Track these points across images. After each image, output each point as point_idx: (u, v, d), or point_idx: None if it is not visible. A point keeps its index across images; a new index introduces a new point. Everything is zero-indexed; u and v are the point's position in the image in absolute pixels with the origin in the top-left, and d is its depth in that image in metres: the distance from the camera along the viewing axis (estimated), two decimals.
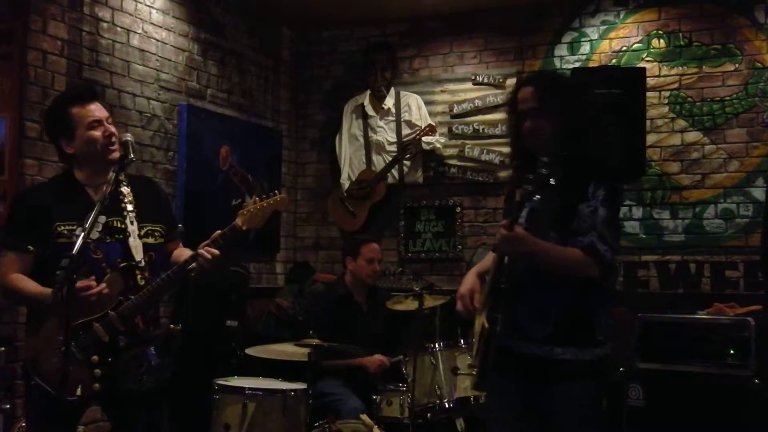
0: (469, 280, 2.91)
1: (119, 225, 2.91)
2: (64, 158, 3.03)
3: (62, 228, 2.85)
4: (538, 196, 2.60)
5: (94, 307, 2.80)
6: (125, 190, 2.96)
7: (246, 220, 2.97)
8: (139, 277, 2.90)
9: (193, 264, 2.88)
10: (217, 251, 2.89)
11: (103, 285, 2.78)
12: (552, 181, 2.58)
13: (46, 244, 2.85)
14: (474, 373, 2.90)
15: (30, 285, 2.86)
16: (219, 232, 2.93)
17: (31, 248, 2.88)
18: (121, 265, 2.87)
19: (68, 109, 2.93)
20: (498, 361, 2.70)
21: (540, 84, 2.81)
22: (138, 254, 2.91)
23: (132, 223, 2.92)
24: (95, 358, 2.82)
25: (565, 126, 2.71)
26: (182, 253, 3.05)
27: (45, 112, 3.13)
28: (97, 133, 2.90)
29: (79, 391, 2.79)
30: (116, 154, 2.91)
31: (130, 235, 2.91)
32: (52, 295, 2.51)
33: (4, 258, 2.92)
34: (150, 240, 3.00)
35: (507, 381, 2.79)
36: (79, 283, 2.68)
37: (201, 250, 2.88)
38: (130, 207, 2.94)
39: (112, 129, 2.94)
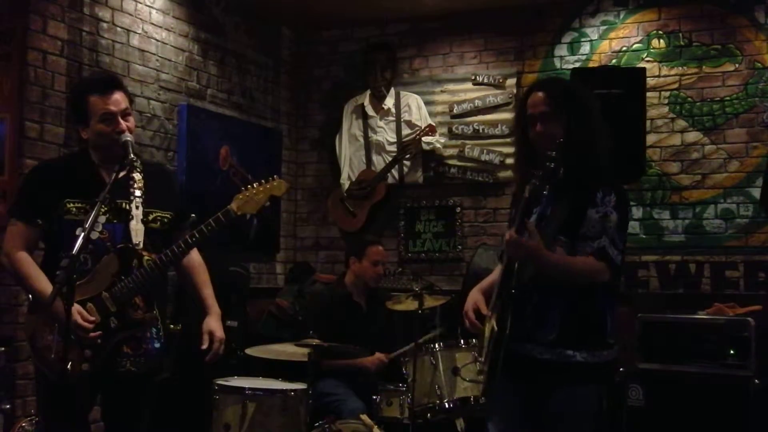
0: (473, 297, 2.95)
1: (125, 207, 2.92)
2: (80, 141, 3.06)
3: (71, 205, 2.88)
4: (547, 190, 2.67)
5: (88, 288, 2.83)
6: (137, 176, 2.96)
7: (241, 204, 2.96)
8: (145, 258, 2.91)
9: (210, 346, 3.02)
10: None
11: (99, 334, 2.82)
12: (559, 173, 2.66)
13: (54, 219, 2.88)
14: (481, 378, 2.90)
15: (33, 274, 2.86)
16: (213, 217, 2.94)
17: (40, 222, 2.91)
18: (119, 246, 2.88)
19: (87, 96, 2.93)
20: (505, 366, 2.70)
21: (551, 89, 2.84)
22: (137, 237, 2.90)
23: (137, 207, 2.93)
24: None
25: (572, 131, 2.74)
26: None
27: (67, 96, 3.16)
28: (108, 128, 2.90)
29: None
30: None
31: (132, 218, 2.91)
32: (51, 297, 2.51)
33: (13, 227, 2.94)
34: (157, 225, 3.00)
35: (511, 384, 2.79)
36: (80, 319, 2.74)
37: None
38: (138, 192, 2.95)
39: (123, 126, 2.90)
